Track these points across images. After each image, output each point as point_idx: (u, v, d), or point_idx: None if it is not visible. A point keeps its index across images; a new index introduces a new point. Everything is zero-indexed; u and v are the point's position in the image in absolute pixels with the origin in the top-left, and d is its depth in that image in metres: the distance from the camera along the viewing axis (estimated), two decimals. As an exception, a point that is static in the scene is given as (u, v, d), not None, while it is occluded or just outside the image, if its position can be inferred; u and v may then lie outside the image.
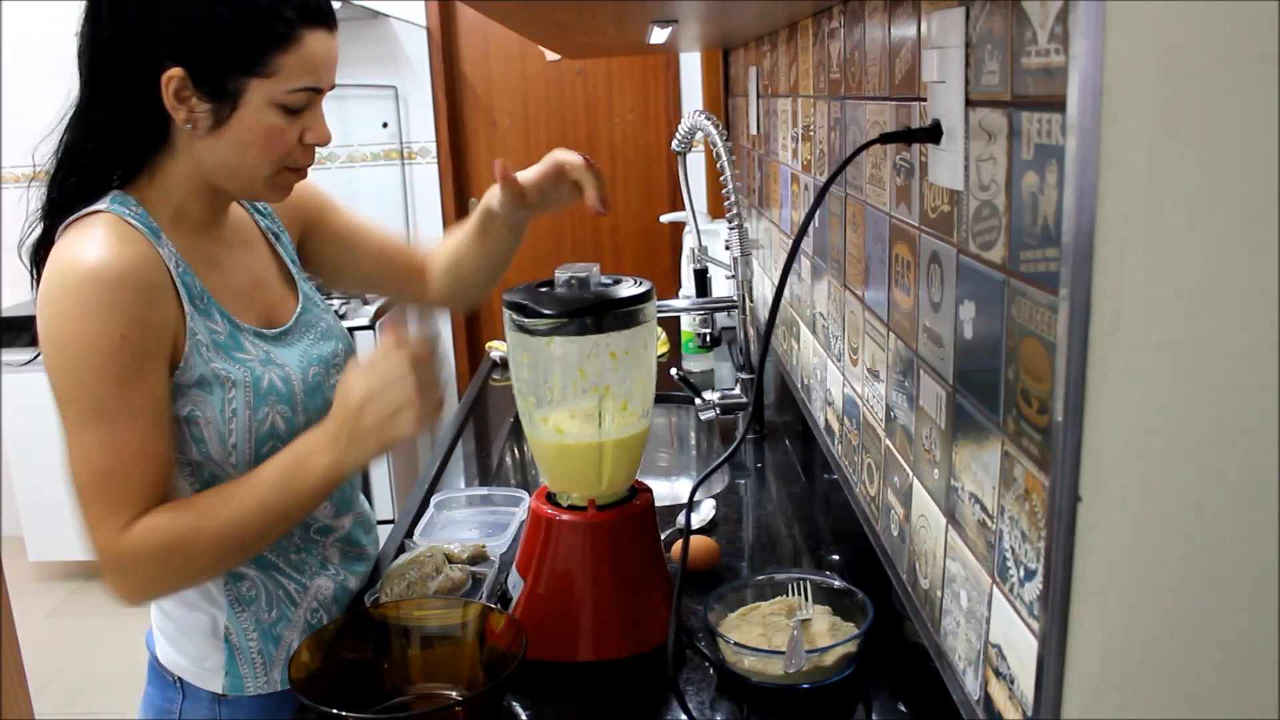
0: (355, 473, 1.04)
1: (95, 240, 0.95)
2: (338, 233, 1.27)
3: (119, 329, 0.92)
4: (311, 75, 0.98)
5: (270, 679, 1.10)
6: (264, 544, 1.02)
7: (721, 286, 2.18)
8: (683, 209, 2.24)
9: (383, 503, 3.18)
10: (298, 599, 1.11)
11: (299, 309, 1.14)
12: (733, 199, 1.66)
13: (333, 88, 1.03)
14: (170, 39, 0.94)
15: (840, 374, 1.23)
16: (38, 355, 0.99)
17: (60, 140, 1.02)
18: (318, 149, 1.05)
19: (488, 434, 1.91)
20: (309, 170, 1.07)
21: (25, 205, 1.08)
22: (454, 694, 1.00)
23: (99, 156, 1.01)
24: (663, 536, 1.17)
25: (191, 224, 1.05)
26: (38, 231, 1.04)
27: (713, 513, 1.41)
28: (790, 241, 1.56)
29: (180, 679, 1.11)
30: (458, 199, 3.60)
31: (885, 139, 0.83)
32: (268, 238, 1.18)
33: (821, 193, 0.86)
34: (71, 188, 1.01)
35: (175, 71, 0.94)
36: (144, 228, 0.98)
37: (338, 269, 1.29)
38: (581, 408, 1.04)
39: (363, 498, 1.25)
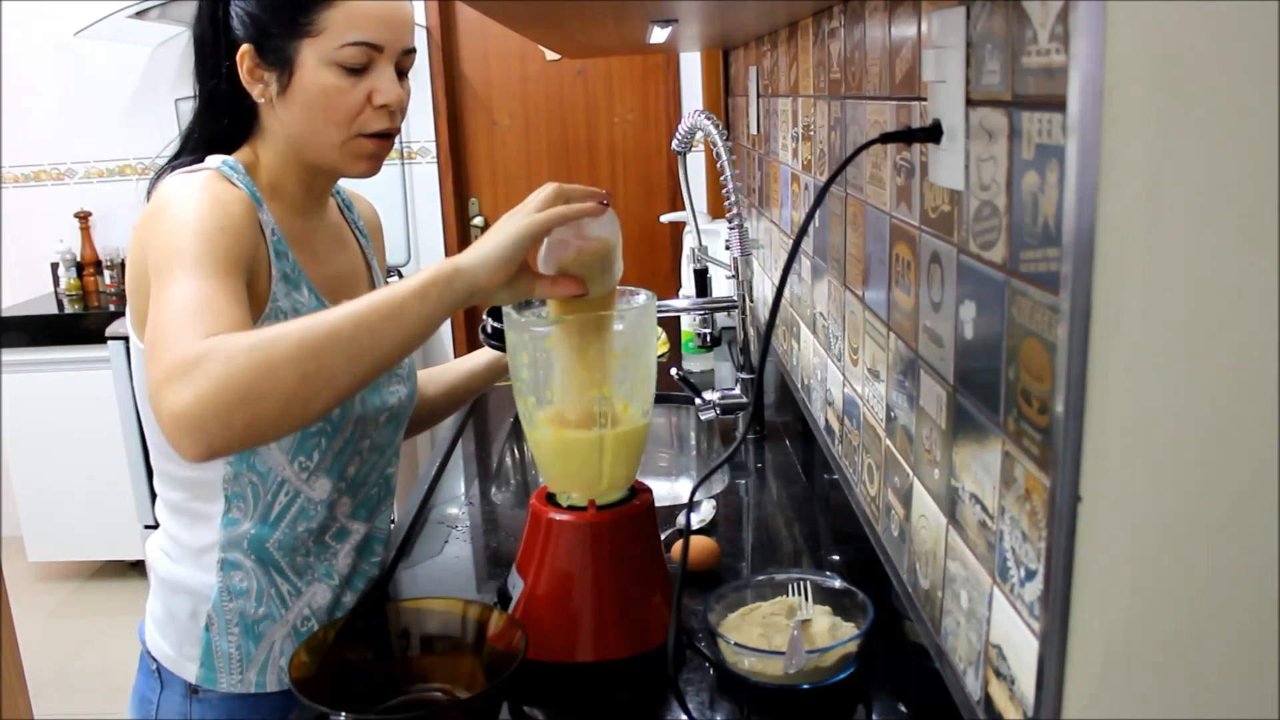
0: (474, 282, 0.87)
1: (194, 180, 0.99)
2: None
3: (219, 223, 0.94)
4: (360, 30, 1.00)
5: (245, 678, 1.09)
6: (353, 369, 0.81)
7: (721, 286, 2.18)
8: (683, 209, 2.24)
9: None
10: (290, 602, 1.10)
11: None
12: (733, 199, 1.66)
13: (409, 52, 1.05)
14: (236, 19, 1.02)
15: (840, 374, 1.23)
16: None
17: (183, 133, 1.10)
18: (398, 114, 1.05)
19: (488, 434, 1.91)
20: (392, 142, 1.07)
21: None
22: (454, 694, 1.00)
23: (208, 143, 1.07)
24: (663, 536, 1.17)
25: (289, 203, 1.09)
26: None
27: (713, 513, 1.41)
28: (790, 241, 1.56)
29: (160, 667, 1.11)
30: (457, 199, 3.60)
31: (885, 139, 0.83)
32: (365, 255, 1.22)
33: (822, 193, 0.86)
34: (183, 164, 1.07)
35: (245, 49, 1.02)
36: (246, 190, 1.02)
37: None
38: (581, 408, 1.04)
39: (387, 516, 1.24)
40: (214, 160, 1.03)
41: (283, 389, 0.78)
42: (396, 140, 1.10)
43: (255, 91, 1.03)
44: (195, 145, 1.08)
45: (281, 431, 0.81)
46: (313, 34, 0.99)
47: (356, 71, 1.01)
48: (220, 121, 1.07)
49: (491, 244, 0.88)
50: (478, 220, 3.64)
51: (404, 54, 1.05)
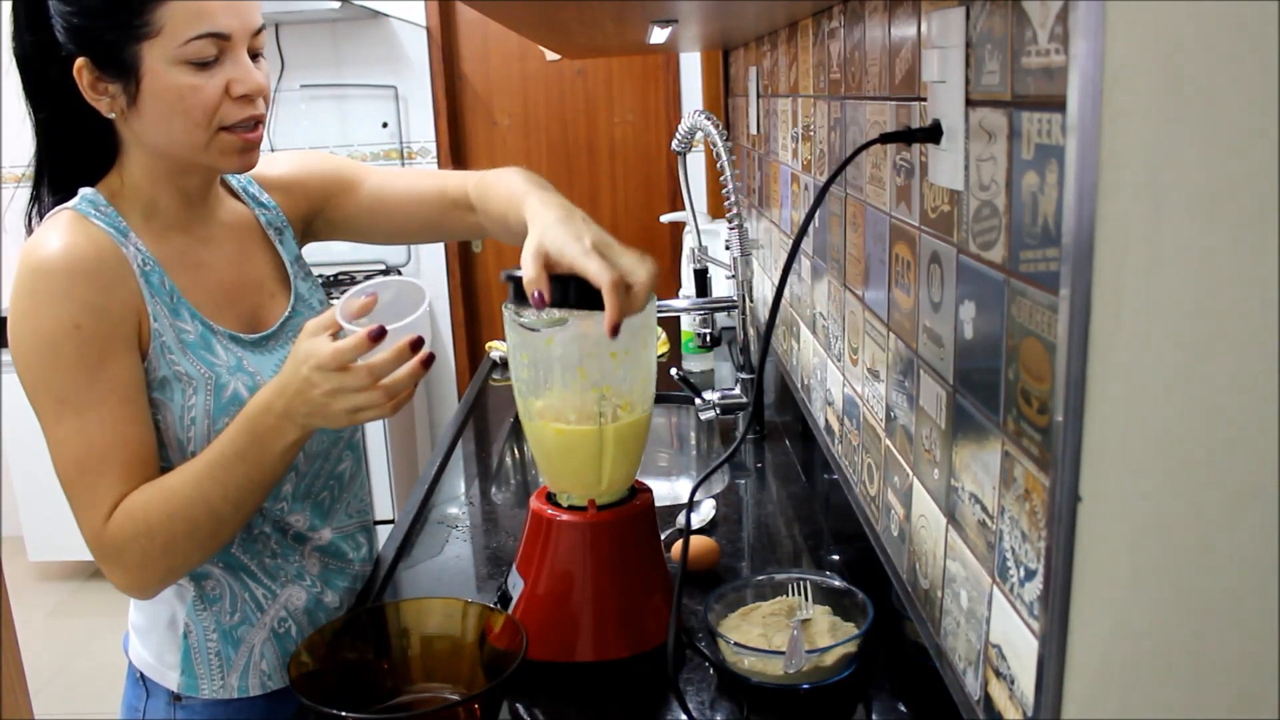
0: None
1: (50, 235, 0.95)
2: (368, 200, 1.23)
3: (73, 318, 0.92)
4: (203, 21, 0.93)
5: (227, 684, 1.08)
6: (244, 514, 0.98)
7: (721, 286, 2.18)
8: (683, 209, 2.24)
9: (383, 503, 3.18)
10: (265, 605, 1.09)
11: (287, 313, 1.11)
12: (733, 199, 1.66)
13: (258, 32, 0.98)
14: (63, 32, 0.95)
15: (840, 374, 1.23)
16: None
17: (33, 175, 1.04)
18: (260, 101, 0.99)
19: (488, 434, 1.91)
20: (259, 131, 1.01)
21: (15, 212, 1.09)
22: (454, 694, 1.00)
23: (65, 170, 1.02)
24: (663, 536, 1.17)
25: (165, 221, 1.03)
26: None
27: (713, 513, 1.41)
28: (790, 241, 1.56)
29: (143, 675, 1.11)
30: (458, 199, 3.60)
31: (885, 139, 0.83)
32: (268, 234, 1.15)
33: (821, 193, 0.86)
34: (49, 203, 1.02)
35: (81, 62, 0.94)
36: (109, 227, 0.97)
37: (371, 230, 1.26)
38: (582, 407, 1.04)
39: (364, 510, 1.22)
40: (73, 200, 0.98)
41: (192, 544, 0.96)
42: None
43: (102, 106, 0.96)
44: (55, 183, 1.02)
45: (209, 556, 1.01)
46: (151, 34, 0.91)
47: (207, 65, 0.94)
48: (72, 149, 1.01)
49: (334, 425, 0.93)
50: (478, 220, 3.64)
51: (253, 36, 0.98)
